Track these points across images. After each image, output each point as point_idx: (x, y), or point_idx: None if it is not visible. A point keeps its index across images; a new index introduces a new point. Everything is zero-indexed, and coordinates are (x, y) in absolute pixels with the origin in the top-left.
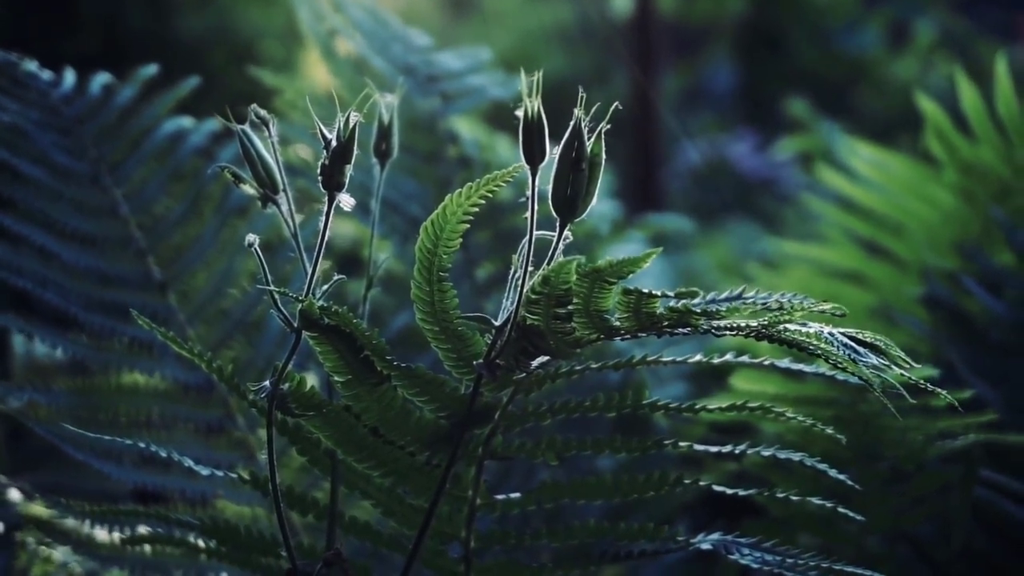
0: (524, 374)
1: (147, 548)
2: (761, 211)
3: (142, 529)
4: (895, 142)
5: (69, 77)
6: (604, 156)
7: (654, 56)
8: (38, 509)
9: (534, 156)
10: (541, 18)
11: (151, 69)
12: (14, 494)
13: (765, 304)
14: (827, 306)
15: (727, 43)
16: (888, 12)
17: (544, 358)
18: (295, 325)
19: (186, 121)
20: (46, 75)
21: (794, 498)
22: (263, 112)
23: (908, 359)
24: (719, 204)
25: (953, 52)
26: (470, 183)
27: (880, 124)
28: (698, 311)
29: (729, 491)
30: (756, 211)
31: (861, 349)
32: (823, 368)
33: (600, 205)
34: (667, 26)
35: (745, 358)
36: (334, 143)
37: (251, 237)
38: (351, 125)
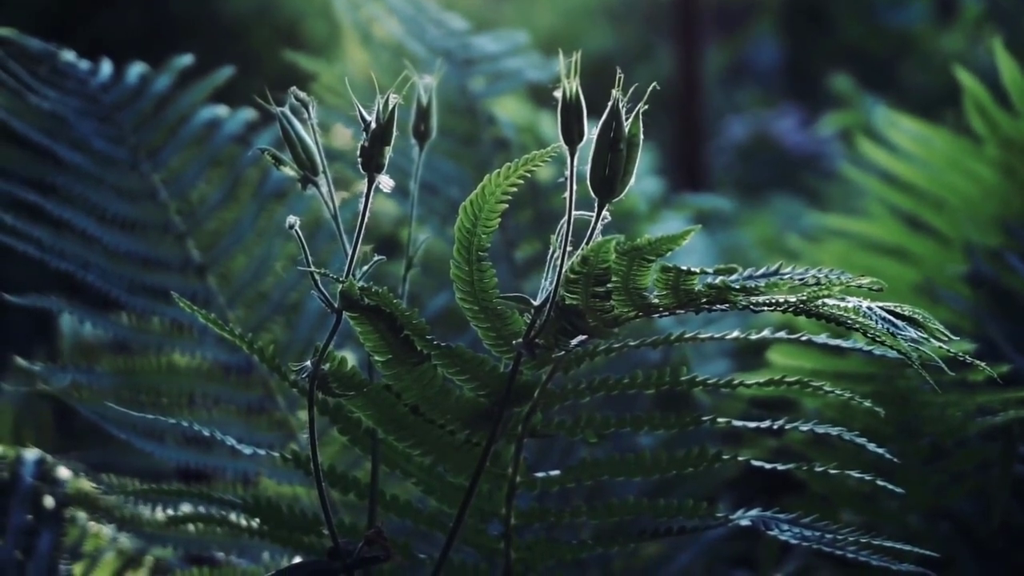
0: (563, 352)
1: (191, 526)
2: (805, 187)
3: (186, 507)
4: (940, 117)
5: (106, 66)
6: (642, 136)
7: (698, 31)
8: (86, 486)
9: (573, 137)
10: None
11: (187, 58)
12: (63, 471)
13: (803, 279)
14: (865, 280)
15: (772, 18)
16: None
17: (583, 337)
18: (336, 305)
19: (222, 109)
20: (84, 64)
21: (833, 472)
22: (303, 95)
23: (947, 332)
24: (763, 180)
25: (1000, 26)
26: (509, 163)
27: (926, 99)
28: (736, 287)
29: (768, 465)
30: (800, 187)
31: (899, 322)
32: (861, 343)
33: (642, 183)
34: (711, 1)
35: (782, 334)
36: (374, 125)
37: (292, 219)
38: (391, 107)
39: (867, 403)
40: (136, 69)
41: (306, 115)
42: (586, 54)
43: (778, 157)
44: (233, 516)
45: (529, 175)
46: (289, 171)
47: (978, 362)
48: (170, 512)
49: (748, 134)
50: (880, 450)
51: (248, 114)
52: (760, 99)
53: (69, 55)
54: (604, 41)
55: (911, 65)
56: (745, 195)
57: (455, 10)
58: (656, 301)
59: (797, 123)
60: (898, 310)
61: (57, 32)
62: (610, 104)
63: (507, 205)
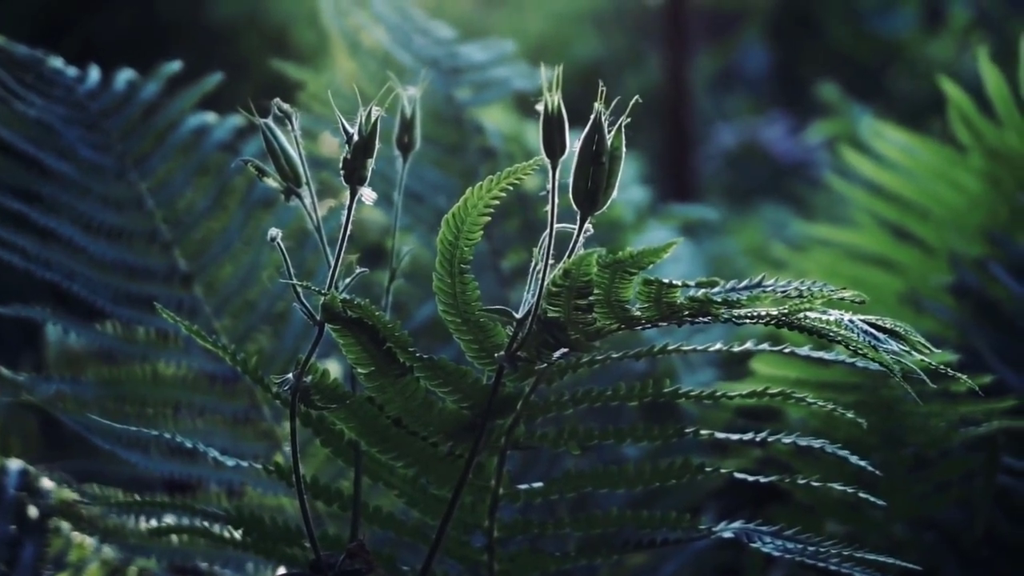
0: (546, 365)
1: (175, 538)
2: (793, 195)
3: (170, 519)
4: (927, 125)
5: (94, 73)
6: (624, 149)
7: (687, 38)
8: (70, 497)
9: (555, 150)
10: (576, 2)
11: (175, 65)
12: (47, 482)
13: (785, 292)
14: (847, 293)
15: (760, 25)
16: None
17: (565, 349)
18: (318, 318)
19: (210, 116)
20: (71, 71)
21: (816, 484)
22: (286, 106)
23: (928, 344)
24: (752, 187)
25: (988, 33)
26: (491, 176)
27: (914, 106)
28: (718, 300)
29: (751, 478)
30: (788, 195)
31: (881, 335)
32: (844, 355)
33: (628, 192)
34: (701, 8)
35: (765, 346)
36: (356, 137)
37: (274, 231)
38: (372, 120)
39: (850, 414)
40: (124, 75)
41: (290, 126)
42: (575, 61)
43: (766, 164)
44: (217, 528)
45: (512, 187)
46: (272, 182)
47: (959, 375)
48: (154, 523)
49: (737, 141)
50: (862, 463)
51: (236, 121)
52: (749, 106)
53: (56, 62)
54: (593, 48)
55: (899, 72)
56: (734, 202)
57: (444, 17)
58: (639, 314)
59: (785, 130)
60: (880, 323)
61: (48, 36)
62: (592, 117)
63: (490, 217)
